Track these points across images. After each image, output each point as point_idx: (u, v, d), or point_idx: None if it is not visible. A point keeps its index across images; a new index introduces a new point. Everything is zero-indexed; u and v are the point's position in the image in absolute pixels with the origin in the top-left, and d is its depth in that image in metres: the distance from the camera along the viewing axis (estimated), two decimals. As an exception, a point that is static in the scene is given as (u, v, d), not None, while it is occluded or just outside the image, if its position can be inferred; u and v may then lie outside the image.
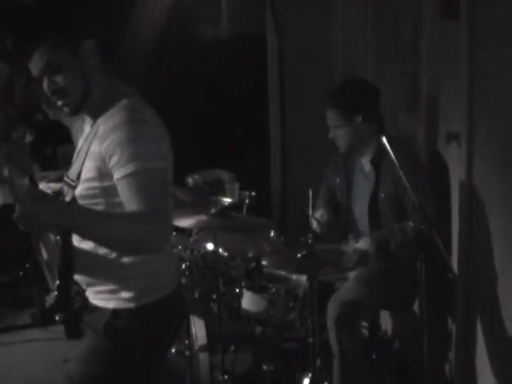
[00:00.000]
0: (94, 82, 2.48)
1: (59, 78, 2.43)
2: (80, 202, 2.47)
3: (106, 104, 2.46)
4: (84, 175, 2.45)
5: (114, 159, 2.30)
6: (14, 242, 5.85)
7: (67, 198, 2.51)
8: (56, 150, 6.57)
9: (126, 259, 2.47)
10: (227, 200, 4.54)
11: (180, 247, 4.11)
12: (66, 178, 2.56)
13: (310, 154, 5.49)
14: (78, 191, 2.47)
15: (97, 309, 2.56)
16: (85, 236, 2.30)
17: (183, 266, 4.03)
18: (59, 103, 2.49)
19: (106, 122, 2.40)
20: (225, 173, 5.02)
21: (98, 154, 2.36)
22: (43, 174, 4.95)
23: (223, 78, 6.21)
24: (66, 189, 2.55)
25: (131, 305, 2.50)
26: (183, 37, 6.17)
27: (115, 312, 2.51)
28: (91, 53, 2.47)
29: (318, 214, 4.05)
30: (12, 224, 2.20)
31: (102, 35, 2.52)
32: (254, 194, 4.77)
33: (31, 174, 4.75)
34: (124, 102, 2.42)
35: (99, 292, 2.56)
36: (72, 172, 2.54)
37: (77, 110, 2.50)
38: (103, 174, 2.37)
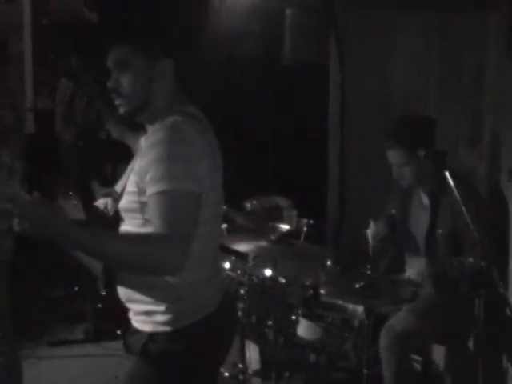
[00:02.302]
0: (156, 96, 2.51)
1: (123, 79, 2.47)
2: (122, 215, 2.50)
3: (157, 119, 2.49)
4: (127, 189, 2.47)
5: (148, 176, 2.31)
6: (70, 257, 5.96)
7: (110, 211, 2.55)
8: (116, 169, 6.65)
9: (158, 281, 2.44)
10: (285, 227, 4.58)
11: (239, 272, 4.15)
12: (113, 191, 2.61)
13: (368, 182, 5.51)
14: (121, 204, 2.50)
15: (137, 331, 2.58)
16: (89, 254, 2.28)
17: (242, 291, 4.07)
18: (116, 102, 2.52)
19: (148, 138, 2.44)
20: (283, 199, 5.04)
21: (139, 170, 2.38)
22: (105, 191, 5.04)
23: (283, 105, 6.25)
24: (110, 202, 2.60)
25: (167, 328, 2.49)
26: (245, 62, 6.23)
27: (151, 335, 2.51)
28: (165, 71, 2.51)
29: (374, 225, 4.06)
30: None
31: (181, 55, 2.56)
32: (311, 221, 4.79)
33: (88, 190, 4.83)
34: (170, 119, 2.43)
35: (137, 313, 2.57)
36: (119, 185, 2.59)
37: (130, 115, 2.53)
38: (141, 189, 2.37)
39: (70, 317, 5.91)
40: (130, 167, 2.56)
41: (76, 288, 6.15)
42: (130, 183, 2.45)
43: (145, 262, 2.26)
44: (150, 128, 2.53)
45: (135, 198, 2.40)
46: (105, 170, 6.69)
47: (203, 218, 2.41)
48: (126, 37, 2.51)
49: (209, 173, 2.41)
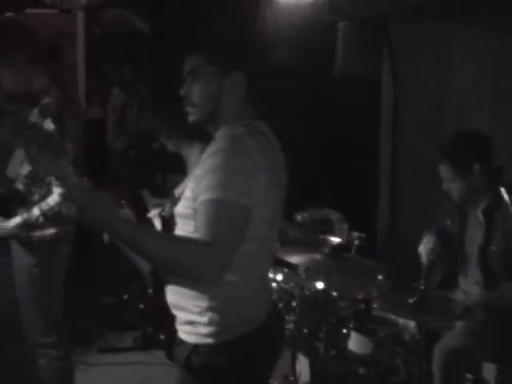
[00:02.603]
0: (225, 107, 2.54)
1: (195, 88, 2.52)
2: (177, 219, 2.52)
3: (216, 128, 2.52)
4: (184, 194, 2.49)
5: (203, 183, 2.32)
6: (120, 264, 6.02)
7: (167, 214, 2.58)
8: (166, 179, 6.71)
9: (203, 291, 2.45)
10: (335, 240, 4.59)
11: (291, 284, 4.16)
12: (172, 196, 2.65)
13: (420, 195, 5.49)
14: (177, 208, 2.52)
15: (182, 342, 2.59)
16: (130, 247, 2.29)
17: (293, 304, 4.08)
18: (186, 109, 2.57)
19: (210, 147, 2.46)
20: (334, 212, 5.04)
21: (196, 176, 2.40)
22: (155, 201, 5.10)
23: (334, 118, 6.26)
24: (168, 205, 2.63)
25: (210, 340, 2.49)
26: (297, 75, 6.25)
27: (195, 347, 2.52)
28: (235, 84, 2.53)
29: (427, 240, 4.04)
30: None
31: (252, 69, 2.58)
32: (363, 235, 4.78)
33: (140, 200, 4.90)
34: (235, 130, 2.44)
35: (182, 322, 2.57)
36: (179, 189, 2.62)
37: (199, 124, 2.57)
38: (196, 196, 2.38)
39: (120, 324, 5.98)
40: (191, 173, 2.59)
41: (126, 296, 6.22)
42: (187, 188, 2.47)
43: (181, 265, 2.27)
44: (214, 131, 2.55)
45: (190, 203, 2.42)
46: (156, 179, 6.75)
47: (254, 234, 2.42)
48: (200, 47, 2.55)
49: (264, 189, 2.40)
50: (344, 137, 6.26)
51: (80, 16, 9.58)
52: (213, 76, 2.53)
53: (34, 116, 3.67)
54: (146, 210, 4.62)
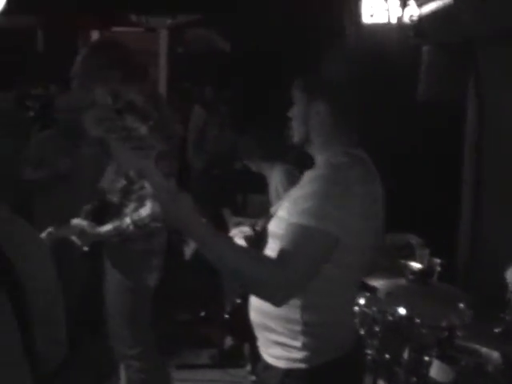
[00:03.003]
0: (314, 132, 2.58)
1: (292, 111, 2.62)
2: (269, 237, 2.55)
3: (322, 154, 2.55)
4: (278, 212, 2.53)
5: (296, 206, 2.35)
6: (199, 281, 6.08)
7: (259, 228, 2.61)
8: (246, 198, 6.76)
9: (296, 314, 2.46)
10: (417, 265, 4.54)
11: (374, 308, 4.13)
12: (267, 213, 2.67)
13: (505, 222, 5.41)
14: (270, 225, 2.56)
15: (270, 367, 2.59)
16: (204, 250, 2.32)
17: (376, 328, 4.05)
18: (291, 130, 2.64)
19: (310, 172, 2.49)
20: (414, 237, 5.00)
21: (292, 198, 2.43)
22: (236, 220, 5.15)
23: (416, 142, 6.22)
24: (262, 221, 2.66)
25: (303, 365, 2.49)
26: (379, 98, 6.23)
27: (287, 372, 2.52)
28: (327, 115, 2.56)
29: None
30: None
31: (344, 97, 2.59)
32: (444, 261, 4.73)
33: (221, 218, 4.96)
34: (335, 158, 2.47)
35: (269, 343, 2.58)
36: (275, 206, 2.65)
37: (297, 146, 2.63)
38: (289, 217, 2.40)
39: (197, 341, 6.02)
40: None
41: (203, 313, 6.26)
42: (282, 208, 2.51)
43: (249, 280, 2.32)
44: (316, 160, 2.58)
45: (283, 224, 2.43)
46: (236, 199, 6.81)
47: (344, 262, 2.43)
48: (293, 72, 2.60)
49: (358, 219, 2.41)
50: (426, 162, 6.21)
51: (163, 35, 9.80)
52: (302, 101, 2.58)
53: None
54: (227, 229, 4.68)
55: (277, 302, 2.33)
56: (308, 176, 2.47)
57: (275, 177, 5.01)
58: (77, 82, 3.95)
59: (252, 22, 8.30)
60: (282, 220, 2.45)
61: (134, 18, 9.30)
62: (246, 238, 4.49)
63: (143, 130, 3.58)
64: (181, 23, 9.44)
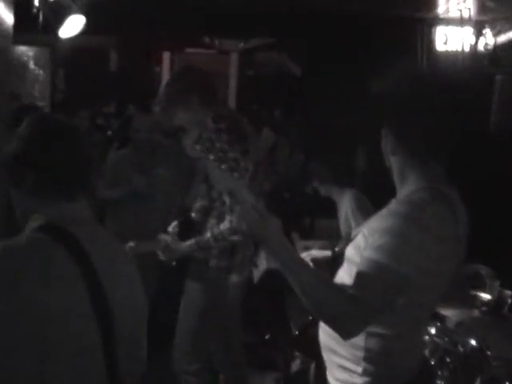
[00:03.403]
0: (399, 167, 2.53)
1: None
2: (345, 261, 2.55)
3: (405, 187, 2.52)
4: (356, 239, 2.51)
5: (374, 239, 2.34)
6: (265, 304, 6.11)
7: (337, 249, 2.62)
8: (314, 222, 6.77)
9: (360, 341, 2.45)
10: (486, 297, 4.49)
11: (445, 339, 4.10)
12: (347, 236, 2.68)
13: None
14: (348, 251, 2.55)
15: None
16: (284, 271, 2.34)
17: (446, 359, 4.02)
18: None
19: (392, 205, 2.47)
20: (484, 268, 4.94)
21: (371, 228, 2.41)
22: (304, 244, 5.16)
23: (489, 172, 6.17)
24: (341, 243, 2.67)
25: None
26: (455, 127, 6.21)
27: None
28: (405, 150, 2.51)
29: None
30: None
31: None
32: (516, 294, 4.66)
33: (290, 242, 4.95)
34: (418, 194, 2.41)
35: (335, 366, 2.57)
36: (355, 231, 2.65)
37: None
38: (365, 247, 2.39)
39: (262, 364, 6.02)
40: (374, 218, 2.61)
41: (267, 336, 6.27)
42: (361, 236, 2.49)
43: (323, 309, 2.33)
44: (398, 192, 2.57)
45: (359, 252, 2.43)
46: (304, 222, 6.82)
47: (417, 301, 2.41)
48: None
49: (436, 259, 2.35)
50: (499, 193, 6.15)
51: (234, 57, 9.89)
52: (383, 135, 2.57)
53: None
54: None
55: (345, 333, 2.35)
56: (390, 209, 2.45)
57: (346, 202, 5.02)
58: (160, 106, 4.11)
59: (324, 47, 8.35)
60: (358, 249, 2.45)
61: (207, 39, 9.42)
62: (314, 261, 4.52)
63: (237, 152, 3.69)
64: (253, 46, 9.51)
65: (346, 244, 2.61)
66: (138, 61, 9.75)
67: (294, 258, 2.36)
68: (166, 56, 10.17)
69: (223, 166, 2.31)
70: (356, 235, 2.57)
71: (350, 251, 2.53)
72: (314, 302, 2.34)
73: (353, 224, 4.77)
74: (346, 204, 5.01)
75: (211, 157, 2.31)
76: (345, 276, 2.51)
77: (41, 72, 9.73)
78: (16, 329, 1.99)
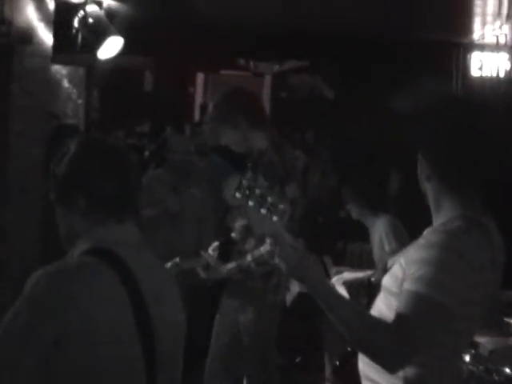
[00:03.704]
0: (434, 194, 2.50)
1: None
2: (382, 290, 2.52)
3: (437, 216, 2.49)
4: (393, 268, 2.49)
5: (412, 270, 2.32)
6: (297, 327, 6.09)
7: (375, 279, 2.62)
8: (346, 247, 6.75)
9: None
10: (521, 323, 4.45)
11: (481, 367, 4.06)
12: (384, 264, 2.67)
13: None
14: (385, 280, 2.53)
15: None
16: (327, 313, 2.35)
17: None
18: None
19: (428, 234, 2.45)
20: (517, 295, 4.91)
21: (409, 259, 2.39)
22: (338, 269, 5.14)
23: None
24: (378, 272, 2.66)
25: None
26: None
27: None
28: (442, 178, 2.47)
29: None
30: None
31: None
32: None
33: (323, 266, 4.93)
34: (455, 223, 2.38)
35: None
36: (392, 259, 2.63)
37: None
38: (404, 278, 2.36)
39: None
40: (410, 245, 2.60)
41: (298, 359, 6.25)
42: (398, 266, 2.46)
43: (364, 344, 2.33)
44: (434, 220, 2.55)
45: (397, 282, 2.41)
46: (336, 246, 6.81)
47: (455, 330, 2.38)
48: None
49: (473, 288, 2.33)
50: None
51: (267, 80, 9.92)
52: (418, 161, 2.54)
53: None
54: (329, 277, 4.68)
55: (391, 368, 2.33)
56: (425, 239, 2.43)
57: (379, 227, 5.00)
58: (208, 126, 4.16)
59: (358, 71, 8.37)
60: (395, 278, 2.44)
61: (242, 61, 9.47)
62: (346, 284, 4.51)
63: (275, 195, 3.71)
64: (287, 69, 9.55)
65: (383, 274, 2.60)
66: (172, 82, 9.82)
67: (333, 294, 2.38)
68: (200, 77, 10.25)
69: (262, 210, 2.35)
70: (392, 265, 2.56)
71: (388, 281, 2.52)
72: (357, 337, 2.34)
73: (387, 248, 4.75)
74: (379, 229, 4.99)
75: (250, 203, 2.34)
76: (382, 306, 2.49)
77: (74, 90, 9.83)
78: (64, 352, 2.00)
